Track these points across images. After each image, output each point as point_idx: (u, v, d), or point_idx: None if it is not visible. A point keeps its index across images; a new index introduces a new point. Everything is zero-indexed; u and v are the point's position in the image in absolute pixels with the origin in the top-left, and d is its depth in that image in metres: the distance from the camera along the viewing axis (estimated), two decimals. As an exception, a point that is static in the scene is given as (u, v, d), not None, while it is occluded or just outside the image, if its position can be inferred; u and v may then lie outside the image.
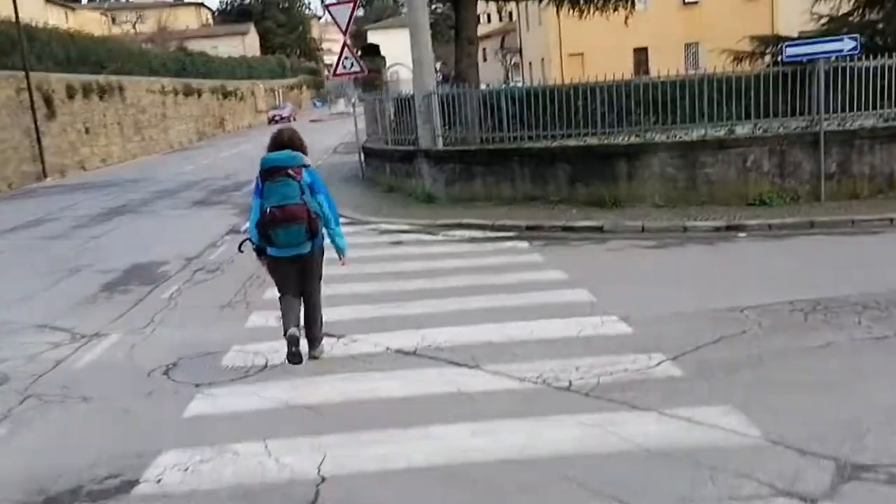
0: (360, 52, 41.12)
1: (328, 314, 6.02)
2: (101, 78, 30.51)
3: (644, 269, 8.15)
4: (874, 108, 11.54)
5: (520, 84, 39.96)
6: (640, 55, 41.96)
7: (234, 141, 37.78)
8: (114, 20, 61.90)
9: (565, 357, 5.39)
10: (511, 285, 7.61)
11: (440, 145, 13.60)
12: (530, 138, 12.92)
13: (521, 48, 52.45)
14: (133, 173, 24.12)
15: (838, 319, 5.87)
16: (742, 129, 12.08)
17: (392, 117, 15.59)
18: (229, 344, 6.29)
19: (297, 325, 5.35)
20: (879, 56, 11.51)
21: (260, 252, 5.49)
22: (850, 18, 15.81)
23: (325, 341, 5.90)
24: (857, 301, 6.23)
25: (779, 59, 12.13)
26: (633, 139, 12.19)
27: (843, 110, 11.50)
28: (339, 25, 16.04)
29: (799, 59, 11.21)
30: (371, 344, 6.04)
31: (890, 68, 11.40)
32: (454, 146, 13.58)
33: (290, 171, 5.16)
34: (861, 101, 11.46)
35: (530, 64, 50.58)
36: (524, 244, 9.90)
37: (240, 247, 5.72)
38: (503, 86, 15.57)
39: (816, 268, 7.71)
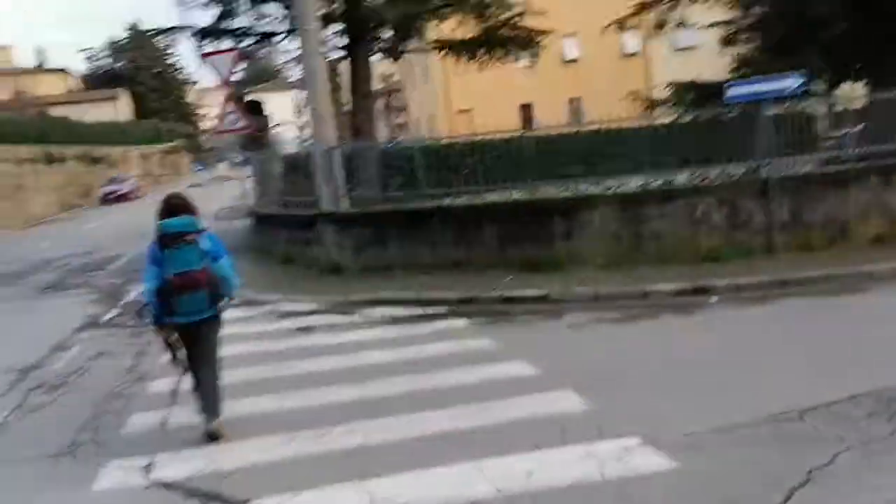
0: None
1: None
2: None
3: (629, 354, 6.48)
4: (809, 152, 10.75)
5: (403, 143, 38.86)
6: (526, 110, 41.98)
7: (103, 210, 34.39)
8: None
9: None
10: (466, 388, 5.79)
11: (345, 207, 11.76)
12: (447, 195, 11.31)
13: (406, 106, 51.72)
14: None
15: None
16: (681, 179, 10.96)
17: (284, 178, 13.66)
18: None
19: (211, 413, 5.23)
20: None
21: (158, 321, 5.25)
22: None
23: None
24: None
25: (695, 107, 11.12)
26: (565, 193, 10.79)
27: (785, 154, 10.57)
28: (220, 75, 14.03)
29: (741, 100, 10.23)
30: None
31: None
32: (361, 208, 11.78)
33: (188, 238, 5.07)
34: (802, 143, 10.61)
35: (417, 120, 49.88)
36: (461, 322, 8.13)
37: (139, 312, 5.95)
38: (397, 143, 14.48)
39: (835, 342, 6.27)
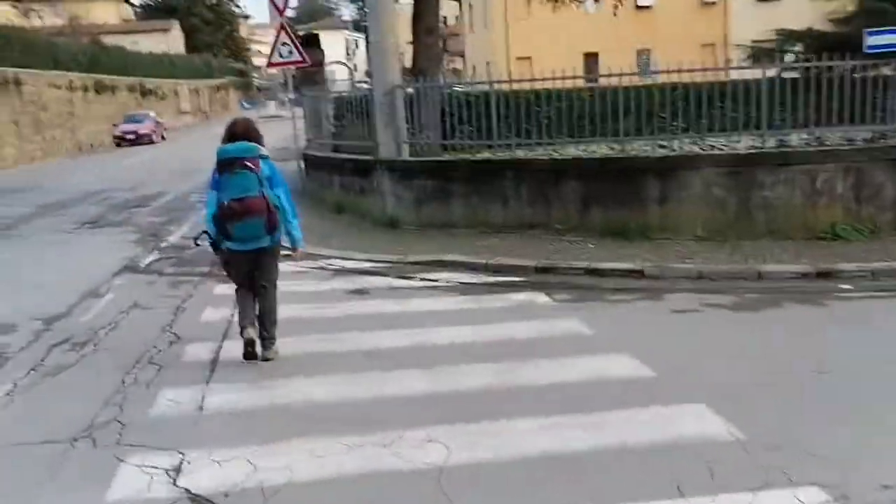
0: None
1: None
2: (-6, 69, 26.33)
3: (765, 358, 5.21)
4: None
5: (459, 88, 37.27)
6: (590, 60, 39.95)
7: (150, 144, 33.75)
8: (26, 14, 56.46)
9: None
10: (566, 389, 4.68)
11: (406, 155, 10.60)
12: (519, 146, 10.07)
13: (464, 51, 49.84)
14: (23, 180, 20.20)
15: None
16: (794, 141, 9.56)
17: (337, 119, 12.51)
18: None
19: (253, 325, 5.34)
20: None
21: (215, 246, 5.28)
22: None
23: (279, 341, 5.46)
24: None
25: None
26: (661, 150, 9.46)
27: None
28: (275, 3, 12.86)
29: (884, 49, 8.73)
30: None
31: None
32: (423, 157, 10.62)
33: (248, 163, 5.01)
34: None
35: (474, 67, 48.08)
36: (542, 297, 6.99)
37: (195, 239, 5.58)
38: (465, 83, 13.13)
39: None
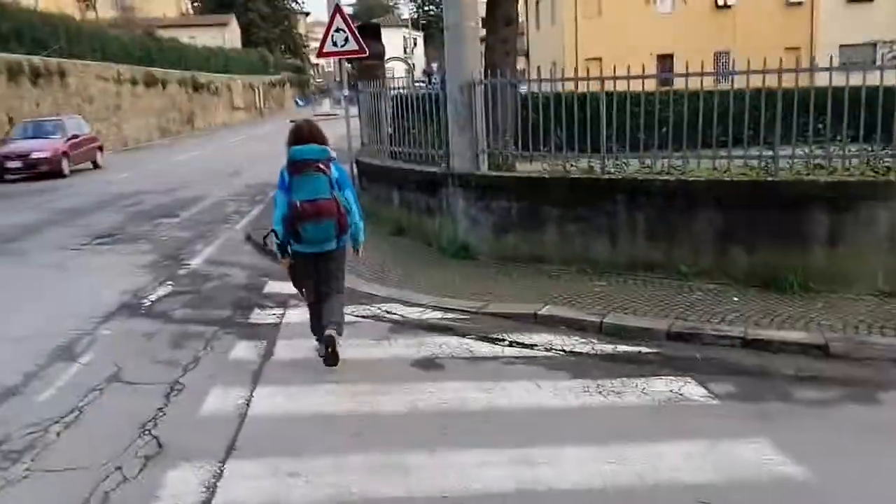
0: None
1: None
2: (37, 59, 25.12)
3: None
4: None
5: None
6: (664, 63, 37.32)
7: (199, 141, 32.37)
8: (88, 5, 56.10)
9: None
10: None
11: (485, 168, 8.49)
12: (625, 163, 7.83)
13: (528, 51, 47.50)
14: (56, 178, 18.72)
15: None
16: None
17: (395, 122, 10.40)
18: None
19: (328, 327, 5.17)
20: None
21: (283, 248, 5.17)
22: None
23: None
24: None
25: None
26: (826, 173, 7.11)
27: None
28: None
29: None
30: None
31: None
32: (503, 171, 8.49)
33: (321, 165, 5.00)
34: None
35: (538, 68, 45.78)
36: (694, 388, 4.77)
37: (264, 238, 5.72)
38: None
39: None
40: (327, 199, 4.95)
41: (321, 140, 5.15)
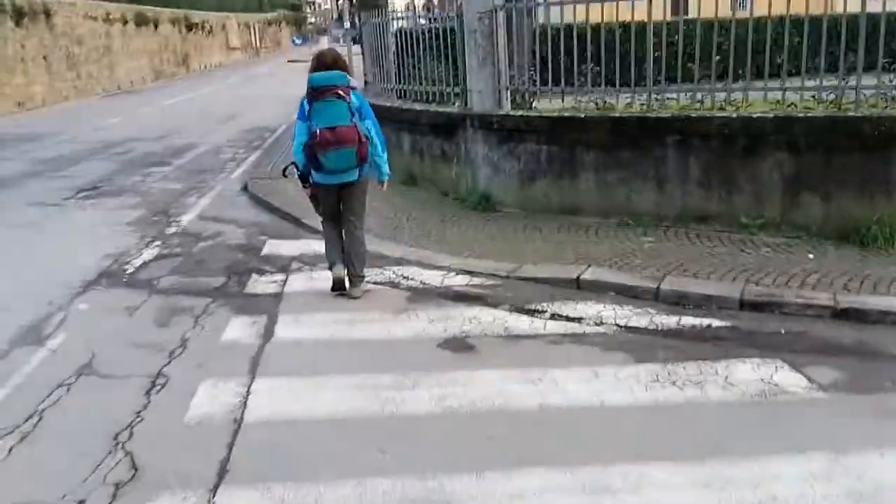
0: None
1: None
2: (20, -2, 23.71)
3: None
4: None
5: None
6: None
7: (194, 83, 31.05)
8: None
9: None
10: None
11: (508, 107, 7.48)
12: (666, 97, 6.80)
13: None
14: (43, 124, 17.69)
15: None
16: None
17: (399, 58, 9.23)
18: None
19: (342, 262, 5.26)
20: None
21: (304, 179, 5.15)
22: None
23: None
24: None
25: None
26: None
27: None
28: None
29: None
30: None
31: None
32: (525, 109, 7.48)
33: (340, 91, 4.89)
34: None
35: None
36: (791, 376, 3.89)
37: (284, 171, 5.42)
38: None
39: None
40: (347, 126, 4.87)
41: (343, 67, 5.06)
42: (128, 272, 6.06)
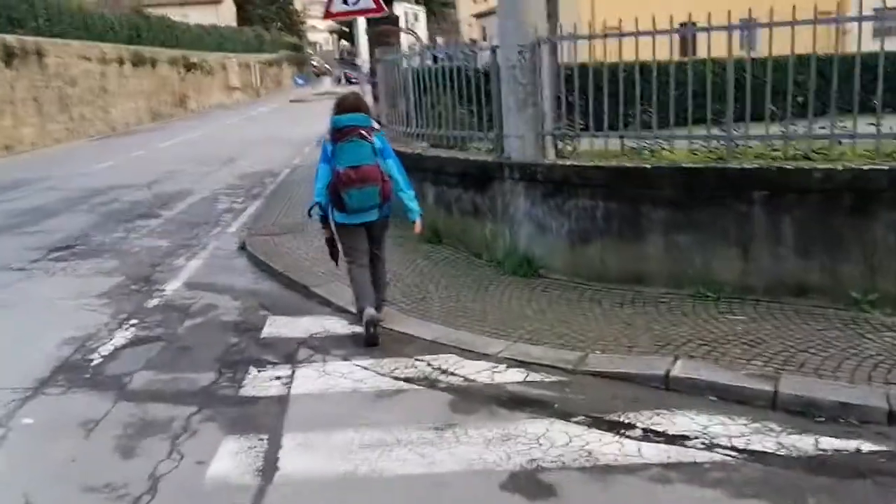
0: None
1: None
2: (11, 38, 22.87)
3: None
4: None
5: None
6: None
7: (192, 124, 30.12)
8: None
9: None
10: None
11: (552, 155, 6.37)
12: (742, 144, 5.67)
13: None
14: (26, 169, 16.61)
15: None
16: None
17: (414, 100, 8.12)
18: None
19: (373, 304, 5.07)
20: None
21: (326, 220, 5.14)
22: None
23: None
24: None
25: None
26: None
27: None
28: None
29: None
30: None
31: None
32: (575, 158, 6.35)
33: (363, 132, 4.95)
34: None
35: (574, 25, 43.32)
36: None
37: (309, 211, 5.20)
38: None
39: None
40: (371, 164, 4.89)
41: (365, 110, 5.15)
42: (92, 364, 4.85)
